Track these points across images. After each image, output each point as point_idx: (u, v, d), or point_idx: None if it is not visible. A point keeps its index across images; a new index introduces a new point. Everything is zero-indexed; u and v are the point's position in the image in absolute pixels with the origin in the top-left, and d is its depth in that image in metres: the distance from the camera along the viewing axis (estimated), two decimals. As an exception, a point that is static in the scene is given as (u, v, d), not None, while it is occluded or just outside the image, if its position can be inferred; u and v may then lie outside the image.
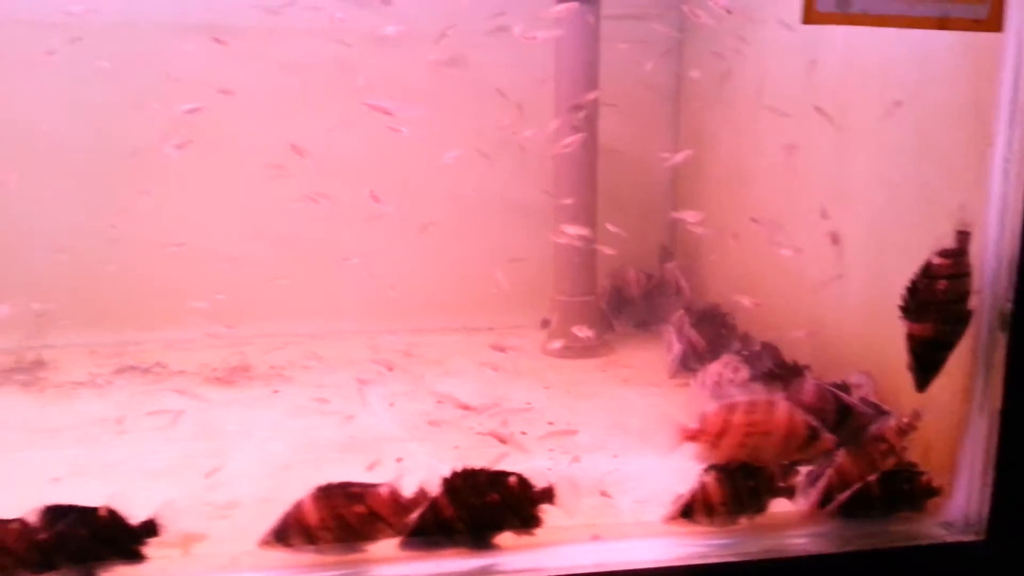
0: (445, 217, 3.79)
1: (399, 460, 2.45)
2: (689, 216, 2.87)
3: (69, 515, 1.72)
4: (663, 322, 3.71)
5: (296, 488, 2.28)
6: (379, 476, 1.87)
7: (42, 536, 1.69)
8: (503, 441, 1.99)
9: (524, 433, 2.65)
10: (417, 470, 2.35)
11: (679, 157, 3.06)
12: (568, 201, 3.36)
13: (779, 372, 2.24)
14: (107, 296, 3.63)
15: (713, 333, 3.30)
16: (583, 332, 3.14)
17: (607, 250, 3.02)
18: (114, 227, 3.58)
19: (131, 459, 2.50)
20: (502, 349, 3.25)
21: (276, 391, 3.13)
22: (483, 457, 2.42)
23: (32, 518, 1.70)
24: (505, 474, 1.84)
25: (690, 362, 3.18)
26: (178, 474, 2.39)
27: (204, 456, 2.52)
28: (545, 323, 3.71)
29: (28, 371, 3.34)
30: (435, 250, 3.87)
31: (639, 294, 3.75)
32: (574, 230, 2.82)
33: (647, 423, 2.73)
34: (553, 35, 3.10)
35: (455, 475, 1.81)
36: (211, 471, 2.35)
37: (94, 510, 1.72)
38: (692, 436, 1.79)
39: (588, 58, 3.43)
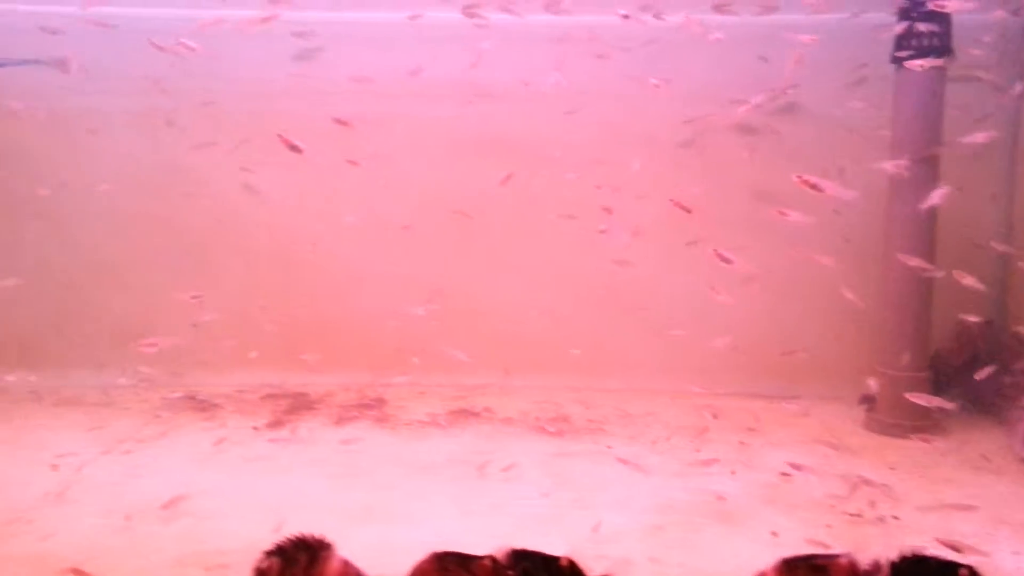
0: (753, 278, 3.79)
1: (775, 535, 2.44)
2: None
3: (534, 559, 1.88)
4: (993, 399, 3.48)
5: (680, 552, 2.37)
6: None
7: (510, 574, 1.86)
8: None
9: (896, 518, 2.55)
10: (793, 546, 2.35)
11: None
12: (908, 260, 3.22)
13: None
14: (435, 343, 3.94)
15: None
16: (933, 405, 2.99)
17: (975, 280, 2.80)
18: (440, 274, 3.94)
19: (506, 502, 2.68)
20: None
21: (609, 447, 3.24)
22: (856, 537, 2.38)
23: (502, 557, 1.88)
24: (956, 565, 1.78)
25: (1057, 453, 2.93)
26: (557, 523, 2.53)
27: (572, 507, 2.65)
28: (866, 399, 3.56)
29: (375, 407, 3.70)
30: (740, 313, 3.87)
31: (983, 349, 3.53)
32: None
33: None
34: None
35: (904, 559, 1.77)
36: (595, 525, 2.47)
37: (556, 559, 1.87)
38: None
39: (930, 116, 3.33)
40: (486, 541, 1.93)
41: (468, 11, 3.59)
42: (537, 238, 3.94)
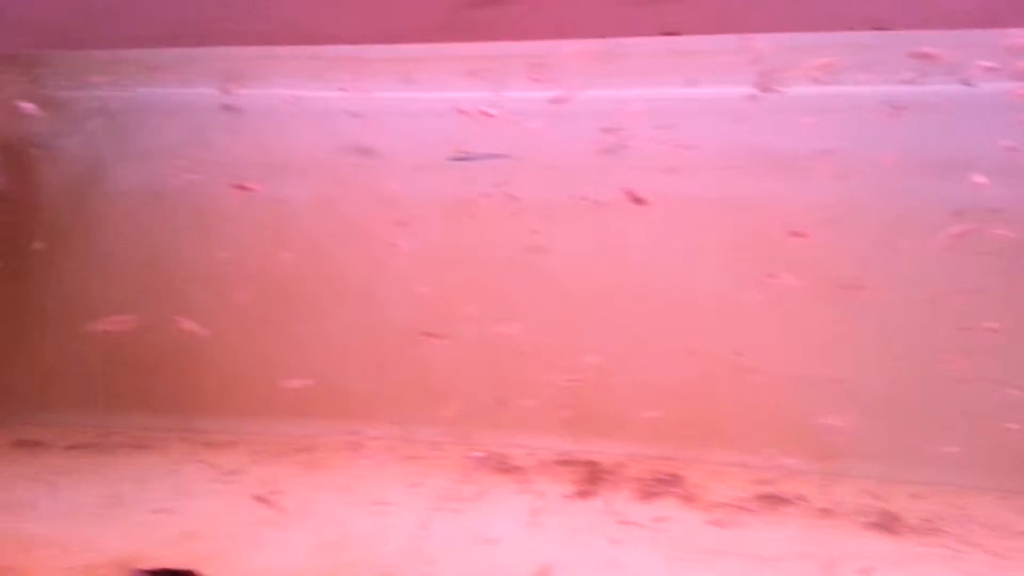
0: None
1: None
2: None
3: None
4: None
5: None
6: None
7: None
8: None
9: None
10: None
11: None
12: None
13: None
14: (732, 420, 3.80)
15: None
16: None
17: None
18: (740, 355, 3.81)
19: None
20: None
21: (958, 550, 2.93)
22: None
23: None
24: None
25: None
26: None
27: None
28: None
29: (673, 484, 3.59)
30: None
31: None
32: None
33: None
34: None
35: None
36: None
37: None
38: None
39: None
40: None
41: (763, 84, 3.53)
42: (839, 308, 3.73)
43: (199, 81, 3.94)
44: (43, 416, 4.03)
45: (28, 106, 3.53)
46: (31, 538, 2.70)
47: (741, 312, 3.81)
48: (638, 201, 3.02)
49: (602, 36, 1.85)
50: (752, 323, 3.80)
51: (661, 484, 3.59)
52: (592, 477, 3.66)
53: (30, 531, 2.76)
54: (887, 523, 3.20)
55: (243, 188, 3.30)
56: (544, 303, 3.99)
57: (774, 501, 3.44)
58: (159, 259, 4.02)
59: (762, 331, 3.79)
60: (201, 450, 3.74)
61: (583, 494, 3.43)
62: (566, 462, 3.83)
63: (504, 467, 3.71)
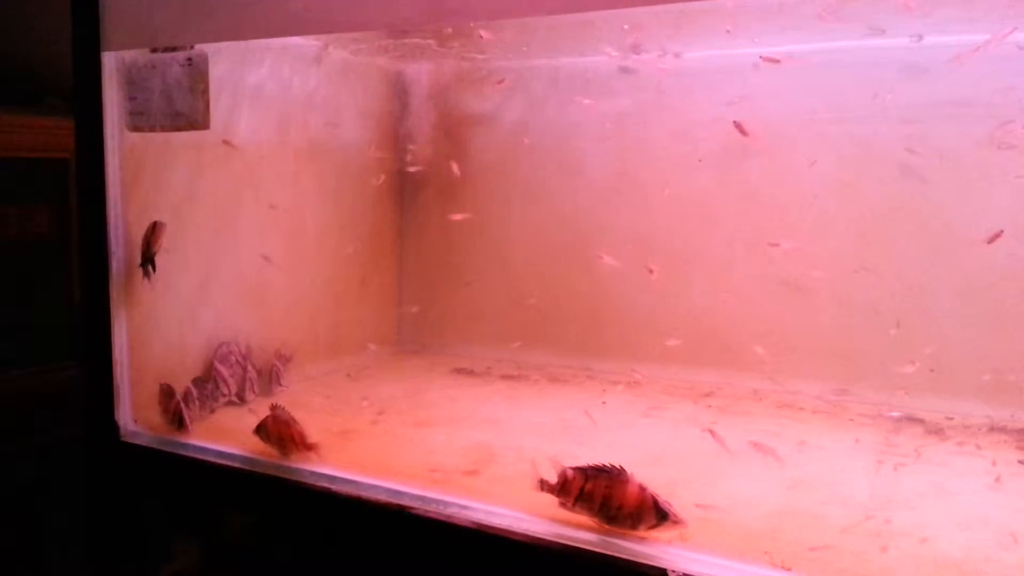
0: None
1: None
2: None
3: None
4: None
5: None
6: None
7: None
8: None
9: None
10: None
11: None
12: None
13: None
14: None
15: None
16: None
17: None
18: None
19: None
20: None
21: None
22: None
23: None
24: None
25: None
26: None
27: None
28: None
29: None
30: None
31: None
32: None
33: None
34: None
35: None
36: None
37: None
38: None
39: None
40: None
41: None
42: None
43: (598, 48, 4.09)
44: (466, 350, 4.55)
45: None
46: (519, 448, 3.05)
47: None
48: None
49: None
50: None
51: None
52: (1035, 445, 3.38)
53: (515, 444, 3.11)
54: None
55: (743, 131, 3.36)
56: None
57: None
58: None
59: None
60: (610, 387, 3.99)
61: (1039, 461, 3.18)
62: (995, 428, 3.56)
63: (929, 429, 3.54)
